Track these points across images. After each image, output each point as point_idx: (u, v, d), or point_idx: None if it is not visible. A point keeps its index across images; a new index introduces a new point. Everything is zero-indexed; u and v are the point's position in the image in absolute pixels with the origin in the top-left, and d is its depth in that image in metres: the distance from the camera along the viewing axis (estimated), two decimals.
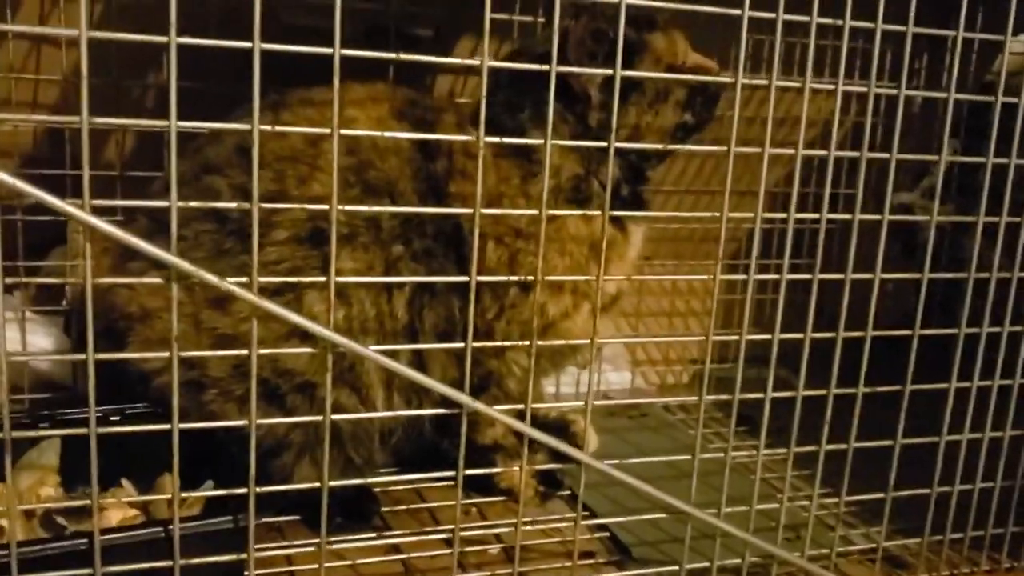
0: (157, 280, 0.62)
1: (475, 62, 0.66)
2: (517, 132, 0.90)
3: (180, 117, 0.57)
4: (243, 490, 0.64)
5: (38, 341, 1.06)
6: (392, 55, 0.65)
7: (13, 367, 1.07)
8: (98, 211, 0.57)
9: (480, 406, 0.69)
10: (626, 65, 0.89)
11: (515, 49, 1.00)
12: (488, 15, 0.62)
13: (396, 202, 0.87)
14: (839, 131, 1.29)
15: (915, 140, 1.31)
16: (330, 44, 0.59)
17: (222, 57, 0.58)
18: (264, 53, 0.57)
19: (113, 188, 1.07)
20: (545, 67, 0.66)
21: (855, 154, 0.76)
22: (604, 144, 0.71)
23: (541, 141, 0.68)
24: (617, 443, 1.13)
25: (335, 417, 0.68)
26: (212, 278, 0.59)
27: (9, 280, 1.17)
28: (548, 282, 0.91)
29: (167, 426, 0.61)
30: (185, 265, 0.58)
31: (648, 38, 0.91)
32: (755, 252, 0.75)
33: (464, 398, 0.68)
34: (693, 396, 1.32)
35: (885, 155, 0.76)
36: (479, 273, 0.88)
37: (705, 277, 0.90)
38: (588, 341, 0.96)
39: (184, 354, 0.62)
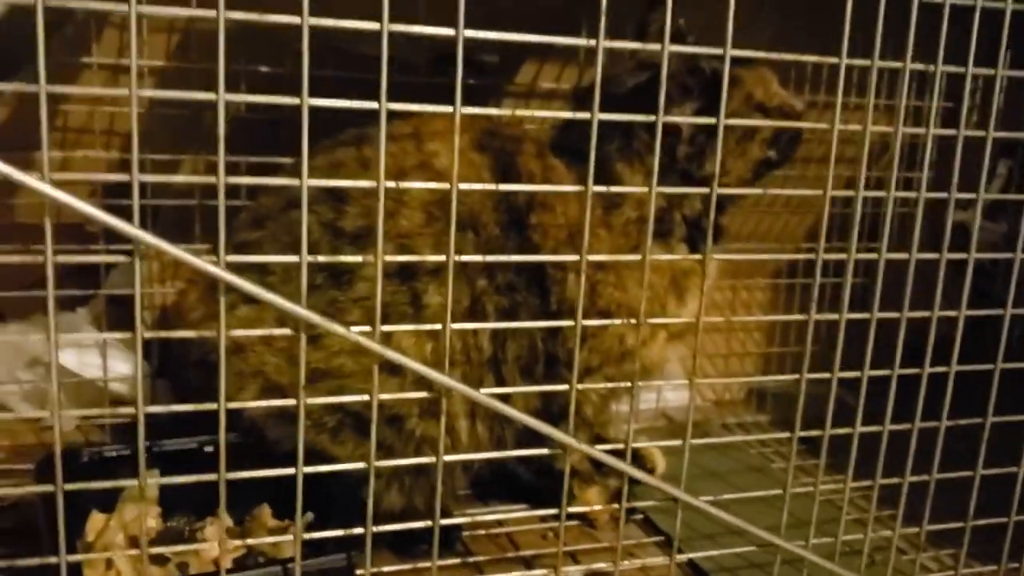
0: (286, 331, 0.63)
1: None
2: (603, 163, 0.91)
3: (257, 146, 0.58)
4: (360, 530, 0.66)
5: (117, 365, 1.08)
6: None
7: (93, 390, 1.10)
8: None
9: (584, 447, 0.70)
10: (717, 101, 0.92)
11: (604, 77, 1.00)
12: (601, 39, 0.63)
13: (479, 234, 0.89)
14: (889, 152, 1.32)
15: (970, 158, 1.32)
16: (403, 73, 0.60)
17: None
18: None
19: (190, 217, 1.08)
20: (650, 118, 0.67)
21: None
22: (705, 190, 0.72)
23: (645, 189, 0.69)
24: (682, 463, 1.14)
25: (448, 458, 0.69)
26: (340, 328, 0.61)
27: (76, 292, 1.20)
28: (625, 310, 0.92)
29: (291, 470, 0.63)
30: (315, 317, 0.60)
31: (739, 74, 0.93)
32: (848, 283, 0.76)
33: (569, 439, 0.70)
34: (750, 413, 1.35)
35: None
36: (560, 302, 0.91)
37: (801, 317, 0.88)
38: (661, 364, 1.00)
39: (313, 400, 0.64)
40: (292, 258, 0.60)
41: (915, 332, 0.78)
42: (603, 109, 0.92)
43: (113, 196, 1.10)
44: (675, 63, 0.88)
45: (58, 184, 0.53)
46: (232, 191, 1.05)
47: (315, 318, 0.59)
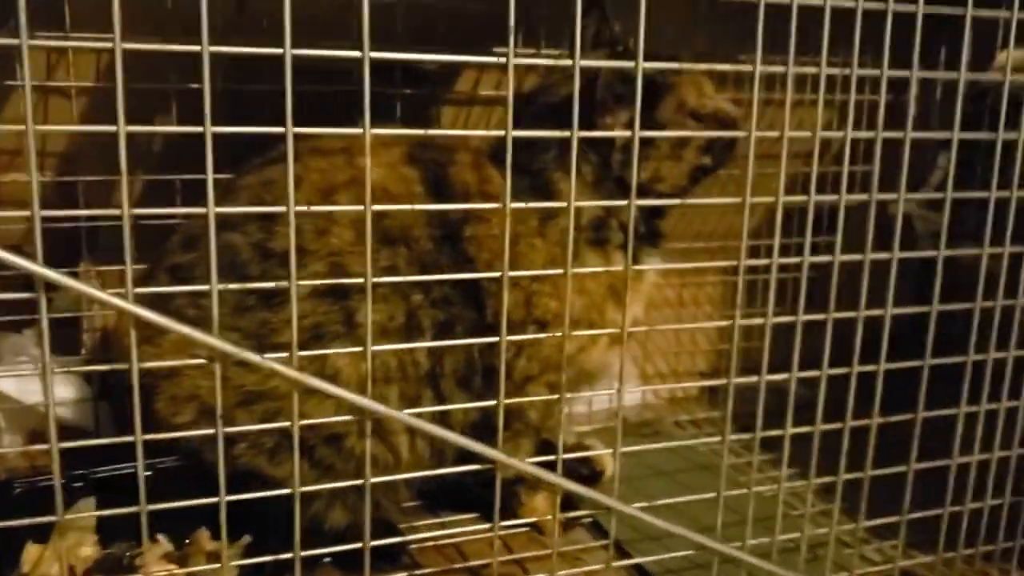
0: (201, 361, 0.63)
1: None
2: (540, 173, 0.91)
3: (187, 166, 0.58)
4: (289, 555, 0.66)
5: (59, 390, 1.08)
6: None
7: (36, 415, 1.10)
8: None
9: (513, 462, 0.71)
10: (651, 107, 0.92)
11: (540, 85, 1.01)
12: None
13: (412, 249, 0.89)
14: (834, 144, 1.33)
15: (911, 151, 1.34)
16: (347, 81, 0.60)
17: (231, 105, 0.59)
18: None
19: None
20: (564, 133, 0.67)
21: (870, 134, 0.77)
22: (624, 203, 0.72)
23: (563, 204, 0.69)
24: (632, 463, 1.15)
25: (375, 480, 0.69)
26: (255, 357, 0.61)
27: (16, 318, 1.19)
28: (562, 320, 0.92)
29: (215, 499, 0.63)
30: (228, 347, 0.59)
31: (673, 81, 0.93)
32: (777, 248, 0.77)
33: (497, 455, 0.70)
34: (703, 409, 1.36)
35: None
36: (496, 314, 0.91)
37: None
38: (606, 374, 1.01)
39: (229, 430, 0.63)
40: (203, 287, 0.59)
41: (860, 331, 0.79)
42: (539, 118, 0.93)
43: (49, 219, 1.10)
44: (609, 72, 0.88)
45: None
46: (168, 206, 1.05)
47: (229, 348, 0.59)
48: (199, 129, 0.57)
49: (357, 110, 0.61)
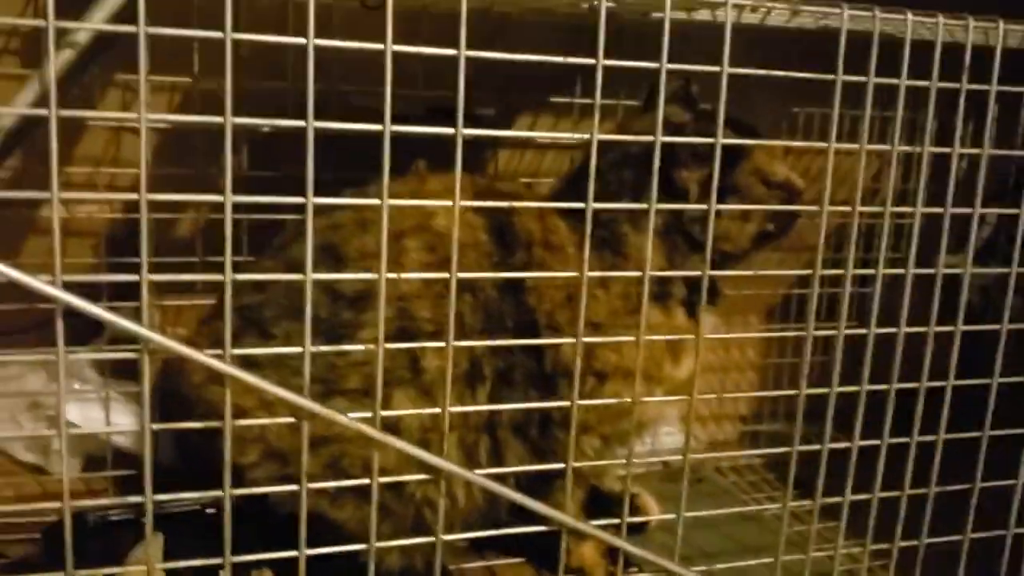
0: (289, 420, 0.64)
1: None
2: (610, 223, 0.93)
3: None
4: None
5: (117, 417, 1.09)
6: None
7: (96, 441, 1.12)
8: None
9: (580, 525, 0.72)
10: (727, 169, 0.94)
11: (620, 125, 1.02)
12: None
13: (477, 297, 0.90)
14: (878, 196, 1.33)
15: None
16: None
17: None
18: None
19: (189, 270, 1.10)
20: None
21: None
22: (697, 274, 0.73)
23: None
24: (676, 509, 1.15)
25: (447, 538, 0.70)
26: (342, 418, 0.62)
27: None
28: (621, 372, 0.94)
29: (295, 553, 0.64)
30: (318, 408, 0.61)
31: (750, 147, 0.95)
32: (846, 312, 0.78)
33: (565, 519, 0.71)
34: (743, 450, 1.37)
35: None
36: (555, 364, 0.92)
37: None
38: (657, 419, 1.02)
39: (313, 485, 0.65)
40: (296, 349, 0.61)
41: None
42: (620, 164, 0.95)
43: (115, 252, 1.12)
44: (691, 126, 0.89)
45: None
46: (234, 246, 1.08)
47: (316, 408, 0.61)
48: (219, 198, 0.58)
49: (410, 153, 0.63)
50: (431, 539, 0.70)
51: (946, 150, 0.75)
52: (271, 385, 0.61)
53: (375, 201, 0.62)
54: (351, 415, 0.63)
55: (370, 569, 0.67)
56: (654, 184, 0.69)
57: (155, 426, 0.62)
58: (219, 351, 0.60)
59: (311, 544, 0.82)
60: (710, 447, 1.41)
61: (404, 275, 0.86)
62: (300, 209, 0.93)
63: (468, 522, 0.99)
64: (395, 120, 0.67)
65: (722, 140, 0.70)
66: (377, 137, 0.61)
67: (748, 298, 1.35)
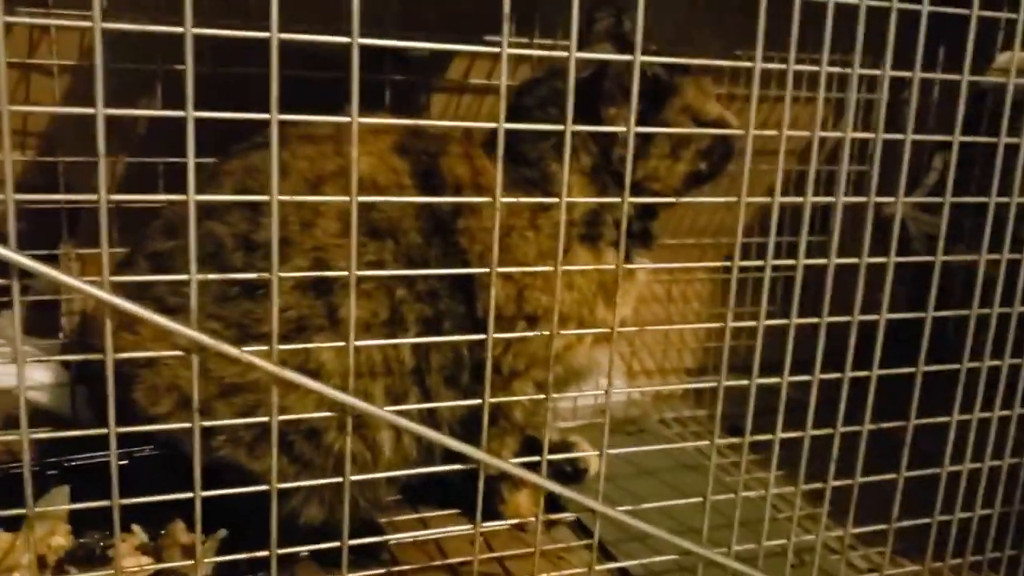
0: (179, 353, 0.61)
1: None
2: (538, 162, 0.90)
3: (171, 149, 0.56)
4: (265, 552, 0.65)
5: (34, 374, 1.05)
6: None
7: (11, 398, 1.07)
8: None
9: (497, 462, 0.69)
10: (656, 107, 0.91)
11: (549, 69, 0.99)
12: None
13: (399, 243, 0.87)
14: (825, 145, 1.31)
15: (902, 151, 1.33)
16: (334, 67, 0.58)
17: (218, 87, 0.57)
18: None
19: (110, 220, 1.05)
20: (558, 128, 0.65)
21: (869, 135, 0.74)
22: (617, 200, 0.70)
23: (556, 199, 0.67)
24: (617, 462, 1.14)
25: (355, 478, 0.67)
26: (232, 350, 0.59)
27: None
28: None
29: (190, 494, 0.61)
30: (206, 340, 0.58)
31: (680, 81, 0.92)
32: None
33: (481, 455, 0.69)
34: (688, 407, 1.35)
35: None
36: (486, 309, 0.89)
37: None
38: (593, 372, 0.99)
39: (206, 423, 0.61)
40: (182, 276, 0.57)
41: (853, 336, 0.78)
42: (547, 103, 0.92)
43: (28, 200, 1.07)
44: (619, 64, 0.86)
45: None
46: (152, 190, 1.03)
47: (205, 340, 0.57)
48: (180, 113, 0.55)
49: (345, 97, 0.59)
50: (339, 479, 0.66)
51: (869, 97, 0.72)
52: (158, 316, 0.57)
53: (346, 119, 0.57)
54: (245, 349, 0.59)
55: (273, 508, 0.63)
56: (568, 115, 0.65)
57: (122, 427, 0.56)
58: (98, 279, 0.56)
59: (227, 498, 0.79)
60: (655, 400, 1.39)
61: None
62: (222, 146, 0.91)
63: (397, 480, 0.97)
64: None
65: (642, 60, 0.64)
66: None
67: (692, 250, 1.33)
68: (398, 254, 0.86)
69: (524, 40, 1.14)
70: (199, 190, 0.87)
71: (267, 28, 0.54)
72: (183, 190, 0.91)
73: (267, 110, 0.56)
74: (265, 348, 0.60)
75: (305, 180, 0.85)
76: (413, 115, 1.02)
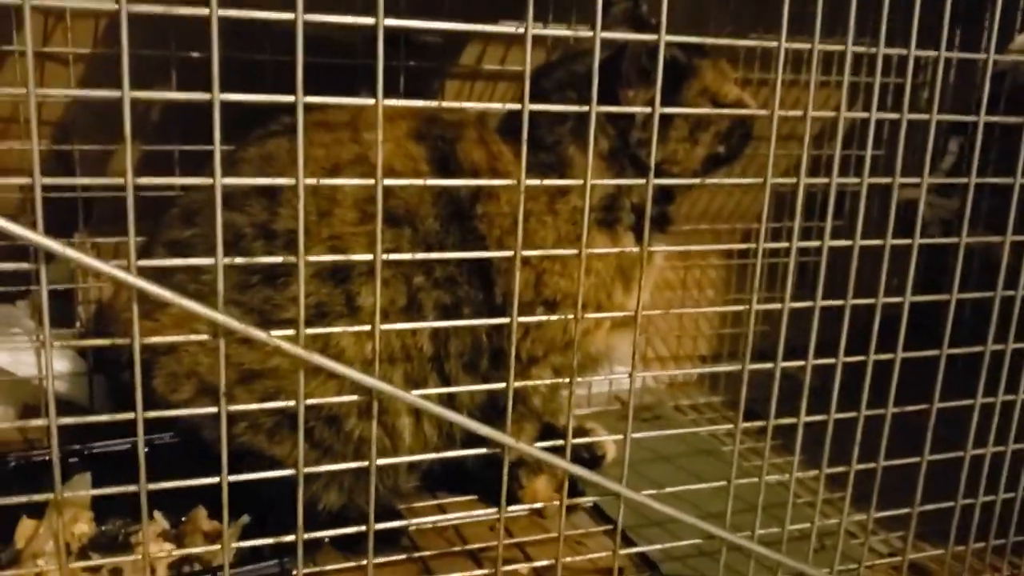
0: (202, 337, 0.60)
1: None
2: (555, 146, 0.89)
3: (185, 137, 0.55)
4: (291, 537, 0.64)
5: (53, 363, 1.05)
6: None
7: (30, 389, 1.07)
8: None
9: (522, 446, 0.69)
10: (674, 89, 0.90)
11: (566, 54, 0.98)
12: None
13: (417, 230, 0.86)
14: (844, 125, 1.30)
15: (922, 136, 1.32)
16: (348, 54, 0.57)
17: (231, 74, 0.57)
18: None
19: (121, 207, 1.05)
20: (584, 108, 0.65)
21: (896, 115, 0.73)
22: (641, 181, 0.69)
23: (580, 182, 0.67)
24: (633, 448, 1.12)
25: (380, 462, 0.67)
26: (260, 334, 0.58)
27: (12, 288, 1.17)
28: (571, 300, 0.91)
29: (216, 479, 0.61)
30: (233, 323, 0.57)
31: (698, 64, 0.92)
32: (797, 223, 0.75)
33: (505, 439, 0.68)
34: (703, 394, 1.35)
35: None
36: (505, 295, 0.89)
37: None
38: (608, 352, 0.99)
39: (233, 408, 0.61)
40: (207, 260, 0.57)
41: (871, 314, 0.77)
42: (565, 86, 0.91)
43: (45, 188, 1.07)
44: (637, 46, 0.85)
45: None
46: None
47: (232, 323, 0.57)
48: (206, 96, 0.54)
49: (359, 83, 0.59)
50: (363, 463, 0.66)
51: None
52: (185, 300, 0.56)
53: (370, 101, 0.57)
54: (273, 333, 0.59)
55: (299, 494, 0.63)
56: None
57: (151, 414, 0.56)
58: (123, 262, 0.55)
59: (249, 485, 0.79)
60: (669, 388, 1.38)
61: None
62: (236, 135, 0.90)
63: (419, 466, 0.97)
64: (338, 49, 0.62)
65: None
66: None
67: (704, 236, 1.32)
68: (416, 241, 0.86)
69: (539, 24, 1.13)
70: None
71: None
72: (199, 176, 0.91)
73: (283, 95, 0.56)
74: (292, 332, 0.59)
75: (322, 168, 0.85)
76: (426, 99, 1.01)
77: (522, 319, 0.77)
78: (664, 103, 0.68)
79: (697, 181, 0.93)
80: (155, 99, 0.56)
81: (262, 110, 0.83)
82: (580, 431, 1.10)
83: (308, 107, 0.90)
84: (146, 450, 0.85)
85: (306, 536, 0.65)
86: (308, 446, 0.84)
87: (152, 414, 0.59)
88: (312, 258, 0.72)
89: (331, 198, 0.84)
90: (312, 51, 0.85)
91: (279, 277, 0.81)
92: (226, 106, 0.56)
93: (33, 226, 0.53)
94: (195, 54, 0.99)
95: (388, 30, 0.57)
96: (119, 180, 0.54)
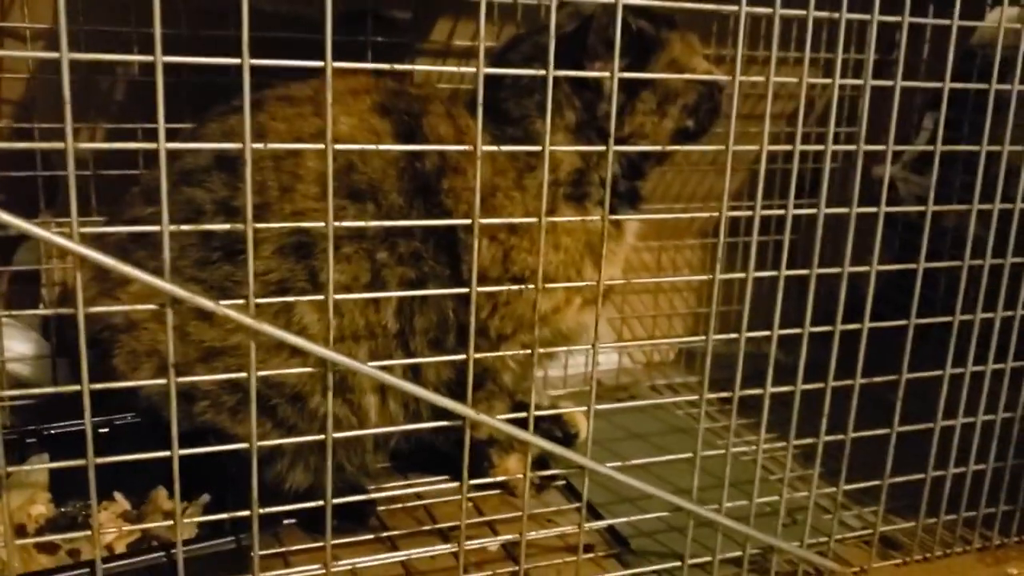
0: (152, 307, 0.59)
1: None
2: (522, 120, 0.88)
3: (150, 116, 0.54)
4: (246, 512, 0.63)
5: (15, 345, 1.03)
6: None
7: None
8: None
9: (483, 418, 0.68)
10: (642, 61, 0.89)
11: (533, 27, 0.97)
12: None
13: (381, 205, 0.85)
14: (817, 104, 1.30)
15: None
16: (311, 29, 0.56)
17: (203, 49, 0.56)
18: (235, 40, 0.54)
19: (85, 188, 1.03)
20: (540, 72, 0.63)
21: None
22: (603, 148, 0.68)
23: (538, 148, 0.66)
24: (607, 426, 1.13)
25: (337, 435, 0.66)
26: (208, 303, 0.57)
27: None
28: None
29: (167, 452, 0.60)
30: (180, 292, 0.56)
31: (667, 37, 0.90)
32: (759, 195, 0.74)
33: (466, 411, 0.67)
34: (679, 374, 1.34)
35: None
36: (470, 270, 0.87)
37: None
38: (581, 336, 0.98)
39: (183, 380, 0.60)
40: (155, 228, 0.56)
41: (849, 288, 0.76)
42: (531, 59, 0.90)
43: (5, 168, 1.05)
44: (603, 18, 0.84)
45: None
46: (130, 161, 1.01)
47: (180, 292, 0.56)
48: (150, 58, 0.53)
49: (322, 59, 0.58)
50: (322, 436, 0.65)
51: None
52: (129, 267, 0.55)
53: (319, 64, 0.56)
54: (222, 302, 0.58)
55: (253, 467, 0.62)
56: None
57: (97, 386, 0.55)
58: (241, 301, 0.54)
59: (210, 464, 0.77)
60: (646, 368, 1.38)
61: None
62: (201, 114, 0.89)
63: (385, 445, 0.96)
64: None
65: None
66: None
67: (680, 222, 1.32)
68: (379, 216, 0.84)
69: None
70: (178, 154, 0.86)
71: None
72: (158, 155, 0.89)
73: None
74: (242, 301, 0.58)
75: (283, 142, 0.84)
76: (397, 79, 1.00)
77: (483, 289, 0.76)
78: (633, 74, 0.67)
79: (658, 148, 0.91)
80: (96, 59, 0.54)
81: (229, 92, 0.83)
82: (552, 409, 1.09)
83: (269, 82, 0.89)
84: (108, 431, 0.86)
85: (263, 512, 0.64)
86: (272, 425, 0.83)
87: (99, 386, 0.57)
88: (261, 225, 0.70)
89: (293, 173, 0.82)
90: (280, 27, 0.84)
91: (240, 253, 0.80)
92: (193, 86, 0.55)
93: None
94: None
95: (355, 7, 0.55)
96: (59, 145, 0.52)
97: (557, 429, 1.06)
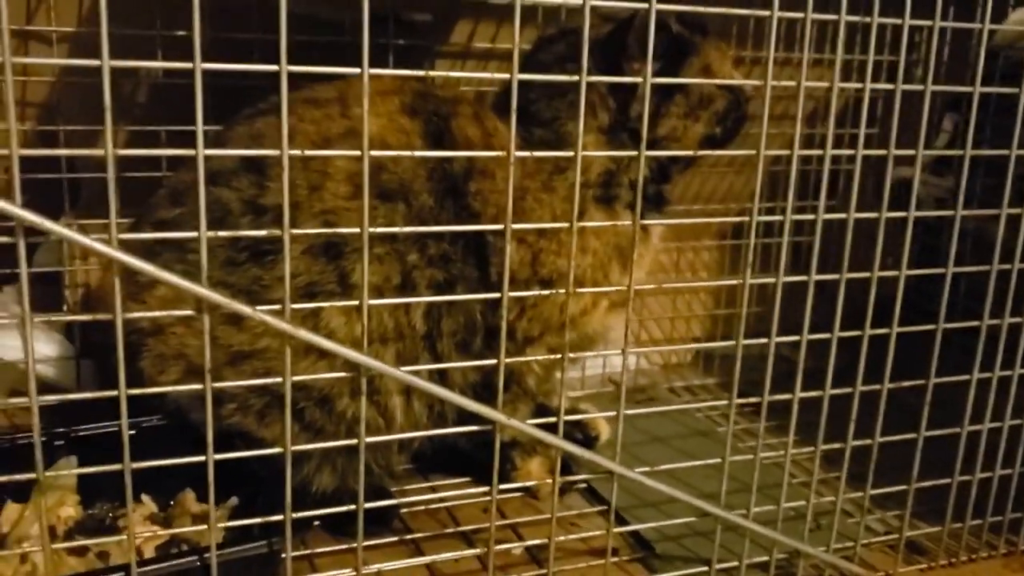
0: (188, 313, 0.59)
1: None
2: (553, 122, 0.88)
3: (177, 114, 0.54)
4: (279, 517, 0.63)
5: (39, 347, 1.04)
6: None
7: (16, 373, 1.06)
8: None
9: (514, 423, 0.68)
10: (676, 65, 0.89)
11: (566, 27, 0.97)
12: None
13: (411, 206, 0.85)
14: (837, 103, 1.29)
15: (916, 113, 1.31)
16: (337, 32, 0.56)
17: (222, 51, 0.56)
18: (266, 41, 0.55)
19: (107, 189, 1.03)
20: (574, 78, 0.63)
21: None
22: (635, 153, 0.68)
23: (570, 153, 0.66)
24: (627, 429, 1.11)
25: (370, 439, 0.66)
26: (246, 309, 0.57)
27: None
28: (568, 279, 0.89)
29: (202, 458, 0.60)
30: (217, 297, 0.56)
31: (700, 42, 0.91)
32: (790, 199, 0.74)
33: (497, 415, 0.67)
34: (697, 375, 1.34)
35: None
36: (501, 273, 0.87)
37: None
38: (604, 332, 0.98)
39: (217, 385, 0.60)
40: (191, 234, 0.56)
41: (864, 291, 0.76)
42: (565, 59, 0.90)
43: (30, 170, 1.05)
44: (644, 19, 0.84)
45: None
46: (153, 163, 1.02)
47: (215, 297, 0.56)
48: (188, 65, 0.53)
49: (347, 62, 0.58)
50: (353, 441, 0.65)
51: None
52: (166, 273, 0.55)
53: (355, 70, 0.56)
54: (258, 308, 0.58)
55: (287, 472, 0.62)
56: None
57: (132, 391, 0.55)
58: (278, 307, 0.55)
59: (238, 467, 0.78)
60: (664, 370, 1.38)
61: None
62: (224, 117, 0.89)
63: (410, 446, 0.96)
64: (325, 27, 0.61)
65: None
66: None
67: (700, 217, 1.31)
68: (409, 216, 0.84)
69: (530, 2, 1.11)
70: (205, 157, 0.86)
71: None
72: (183, 161, 0.89)
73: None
74: (278, 307, 0.58)
75: (312, 143, 0.84)
76: (420, 80, 1.00)
77: (514, 294, 0.76)
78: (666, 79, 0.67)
79: (690, 153, 0.92)
80: (136, 67, 0.54)
81: (250, 93, 0.83)
82: (573, 412, 1.09)
83: (296, 84, 0.89)
84: (134, 433, 0.85)
85: (294, 516, 0.64)
86: (299, 428, 0.83)
87: (135, 392, 0.57)
88: (298, 231, 0.70)
89: (322, 172, 0.82)
90: (300, 30, 0.84)
91: (267, 255, 0.80)
92: (213, 88, 0.55)
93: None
94: (179, 33, 0.98)
95: (375, 6, 0.55)
96: (99, 152, 0.53)
97: (577, 432, 1.06)
